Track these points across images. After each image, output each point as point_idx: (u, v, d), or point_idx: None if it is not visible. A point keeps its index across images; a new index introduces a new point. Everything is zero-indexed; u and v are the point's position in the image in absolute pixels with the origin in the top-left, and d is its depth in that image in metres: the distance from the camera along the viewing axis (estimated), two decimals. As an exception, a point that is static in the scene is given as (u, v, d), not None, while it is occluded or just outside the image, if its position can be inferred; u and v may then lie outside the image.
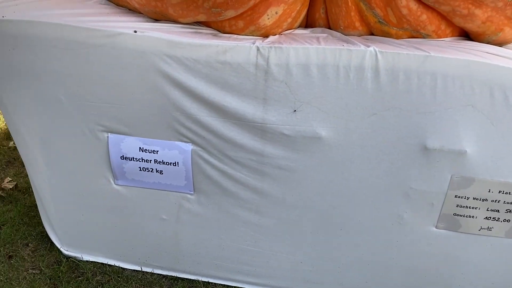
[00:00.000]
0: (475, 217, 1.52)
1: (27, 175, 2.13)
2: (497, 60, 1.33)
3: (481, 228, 1.54)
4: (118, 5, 1.63)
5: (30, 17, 1.43)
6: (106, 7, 1.61)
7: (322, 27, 1.58)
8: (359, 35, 1.52)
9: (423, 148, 1.41)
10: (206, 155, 1.55)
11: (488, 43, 1.50)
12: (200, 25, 1.53)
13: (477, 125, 1.35)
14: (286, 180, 1.56)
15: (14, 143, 2.60)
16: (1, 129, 2.94)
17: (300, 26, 1.61)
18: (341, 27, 1.52)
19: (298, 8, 1.47)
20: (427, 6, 1.40)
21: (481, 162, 1.40)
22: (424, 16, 1.42)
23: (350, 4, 1.46)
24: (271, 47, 1.37)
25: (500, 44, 1.53)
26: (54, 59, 1.44)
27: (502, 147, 1.37)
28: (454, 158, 1.40)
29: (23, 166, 2.12)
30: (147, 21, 1.52)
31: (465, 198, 1.48)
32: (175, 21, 1.50)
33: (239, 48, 1.38)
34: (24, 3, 1.58)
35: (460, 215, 1.52)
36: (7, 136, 2.81)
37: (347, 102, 1.38)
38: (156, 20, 1.53)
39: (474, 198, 1.48)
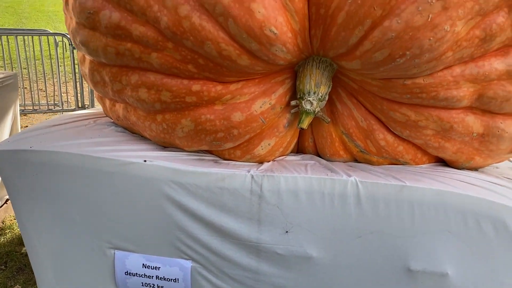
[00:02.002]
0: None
1: (35, 283, 2.22)
2: (469, 189, 1.47)
3: None
4: (132, 132, 1.85)
5: (53, 147, 1.64)
6: (122, 134, 1.83)
7: (311, 153, 1.76)
8: (344, 162, 1.70)
9: (407, 270, 1.49)
10: (205, 272, 1.65)
11: (462, 169, 1.65)
12: (203, 152, 1.73)
13: (455, 249, 1.45)
14: (280, 297, 1.64)
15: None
16: (16, 234, 3.08)
17: (292, 152, 1.79)
18: (328, 155, 1.70)
19: (288, 139, 1.67)
20: (403, 139, 1.58)
21: (463, 284, 1.47)
22: (401, 147, 1.60)
23: (334, 136, 1.65)
24: (264, 175, 1.54)
25: (474, 169, 1.68)
26: (72, 184, 1.62)
27: (482, 271, 1.45)
28: (437, 279, 1.48)
29: (33, 273, 2.22)
30: (157, 149, 1.72)
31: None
32: (181, 149, 1.70)
33: (236, 176, 1.55)
34: (50, 132, 1.81)
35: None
36: (20, 241, 2.94)
37: (333, 226, 1.51)
38: (165, 147, 1.73)
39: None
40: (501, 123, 1.49)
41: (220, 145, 1.60)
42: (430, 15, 1.21)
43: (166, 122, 1.59)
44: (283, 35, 1.32)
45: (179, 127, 1.58)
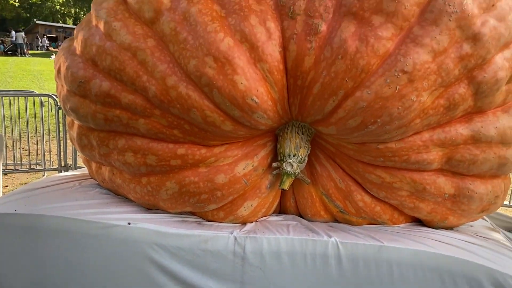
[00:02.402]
0: None
1: None
2: (445, 249, 1.52)
3: None
4: (117, 194, 1.88)
5: (38, 210, 1.65)
6: (106, 196, 1.86)
7: (293, 213, 1.81)
8: (325, 222, 1.75)
9: (389, 330, 1.51)
10: (187, 337, 1.62)
11: (438, 228, 1.72)
12: (187, 213, 1.76)
13: (434, 308, 1.48)
14: None
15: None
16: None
17: (274, 212, 1.84)
18: (309, 215, 1.75)
19: (270, 200, 1.72)
20: (380, 200, 1.65)
21: None
22: (378, 208, 1.66)
23: (314, 196, 1.71)
24: (247, 236, 1.57)
25: (449, 228, 1.75)
26: (55, 248, 1.62)
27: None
28: None
29: None
30: (141, 211, 1.74)
31: None
32: (165, 211, 1.73)
33: (219, 238, 1.58)
34: (35, 194, 1.83)
35: None
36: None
37: (316, 287, 1.52)
38: (149, 209, 1.76)
39: None
40: (470, 184, 1.58)
41: (203, 206, 1.63)
42: (398, 87, 1.32)
43: (151, 185, 1.63)
44: (263, 103, 1.42)
45: (164, 190, 1.62)
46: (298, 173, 1.58)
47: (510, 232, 2.00)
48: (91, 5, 1.69)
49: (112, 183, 1.79)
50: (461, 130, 1.48)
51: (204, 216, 1.73)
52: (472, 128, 1.48)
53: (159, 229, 1.59)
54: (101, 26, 1.56)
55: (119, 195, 1.87)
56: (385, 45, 1.32)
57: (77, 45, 1.66)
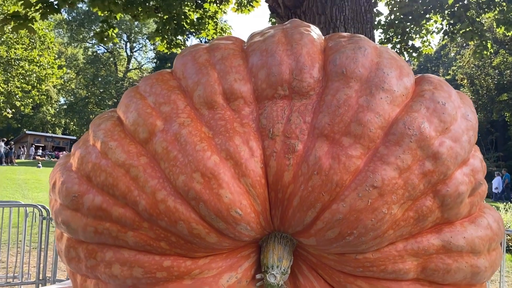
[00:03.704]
0: None
1: None
2: None
3: None
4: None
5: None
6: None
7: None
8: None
9: None
10: None
11: None
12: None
13: None
14: None
15: None
16: None
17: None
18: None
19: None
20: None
21: None
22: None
23: (298, 308, 1.72)
24: None
25: None
26: None
27: None
28: None
29: None
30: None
31: None
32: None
33: None
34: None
35: None
36: None
37: None
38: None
39: None
40: (447, 293, 1.62)
41: (187, 320, 1.63)
42: (370, 200, 1.44)
43: (136, 298, 1.64)
44: (247, 215, 1.52)
45: (148, 303, 1.63)
46: (282, 284, 1.62)
47: None
48: (90, 125, 1.85)
49: (96, 296, 1.78)
50: (433, 240, 1.58)
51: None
52: (442, 238, 1.58)
53: None
54: (98, 145, 1.70)
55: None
56: (355, 162, 1.48)
57: (74, 161, 1.78)
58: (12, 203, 4.92)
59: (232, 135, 1.57)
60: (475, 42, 17.90)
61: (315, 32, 1.82)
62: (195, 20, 17.60)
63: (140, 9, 14.87)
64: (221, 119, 1.62)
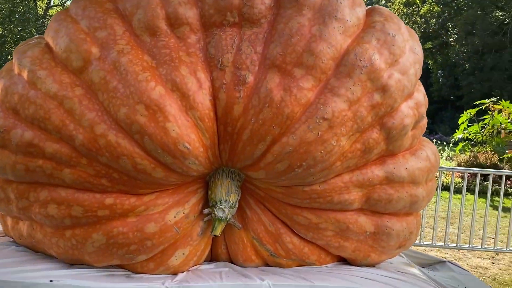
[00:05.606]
0: None
1: None
2: (369, 284, 1.61)
3: None
4: (35, 251, 1.75)
5: None
6: (24, 254, 1.72)
7: (224, 260, 1.81)
8: (256, 266, 1.76)
9: None
10: None
11: (362, 266, 1.81)
12: (114, 267, 1.68)
13: None
14: None
15: None
16: None
17: (205, 260, 1.82)
18: (240, 261, 1.76)
19: (202, 247, 1.71)
20: (308, 241, 1.72)
21: None
22: (306, 249, 1.72)
23: (245, 241, 1.74)
24: (179, 286, 1.53)
25: (372, 265, 1.85)
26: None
27: None
28: None
29: None
30: (63, 267, 1.63)
31: None
32: (90, 265, 1.64)
33: (150, 290, 1.52)
34: None
35: None
36: None
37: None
38: (72, 265, 1.66)
39: None
40: (388, 221, 1.71)
41: (133, 258, 1.58)
42: (319, 132, 1.43)
43: (76, 238, 1.55)
44: (195, 149, 1.45)
45: (90, 242, 1.55)
46: (230, 218, 1.61)
47: (423, 267, 2.16)
48: (13, 53, 1.64)
49: (31, 238, 1.67)
50: (377, 172, 1.62)
51: (133, 269, 1.66)
52: (385, 170, 1.63)
53: (85, 285, 1.50)
54: (25, 74, 1.52)
55: (38, 252, 1.74)
56: (306, 95, 1.44)
57: (-4, 93, 1.59)
58: None
59: (177, 65, 1.46)
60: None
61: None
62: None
63: None
64: (165, 47, 1.49)
